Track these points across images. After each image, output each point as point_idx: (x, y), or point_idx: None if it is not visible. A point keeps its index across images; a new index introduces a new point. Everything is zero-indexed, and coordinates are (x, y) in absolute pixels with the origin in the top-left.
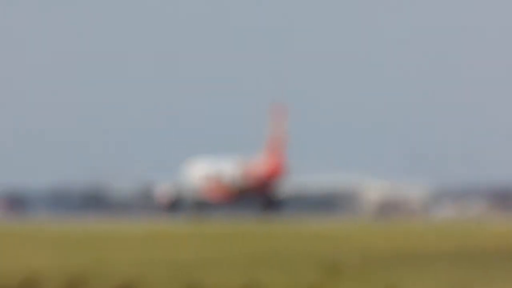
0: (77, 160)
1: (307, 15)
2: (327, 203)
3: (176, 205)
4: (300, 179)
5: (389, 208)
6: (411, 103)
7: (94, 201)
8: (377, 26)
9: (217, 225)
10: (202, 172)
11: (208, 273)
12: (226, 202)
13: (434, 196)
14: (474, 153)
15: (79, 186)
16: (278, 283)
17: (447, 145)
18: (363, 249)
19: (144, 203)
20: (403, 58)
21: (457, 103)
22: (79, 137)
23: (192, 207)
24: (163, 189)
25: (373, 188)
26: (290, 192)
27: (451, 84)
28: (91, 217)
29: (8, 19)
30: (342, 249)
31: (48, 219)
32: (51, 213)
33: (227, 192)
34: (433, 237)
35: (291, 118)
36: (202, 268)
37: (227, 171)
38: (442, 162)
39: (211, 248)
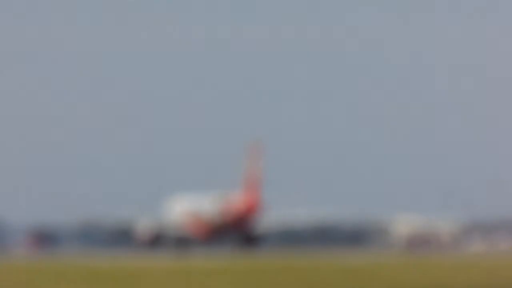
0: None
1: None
2: (358, 237)
3: (156, 241)
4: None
5: (419, 242)
6: (440, 136)
7: (124, 237)
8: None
9: (238, 261)
10: (182, 209)
11: None
12: (205, 237)
13: (465, 230)
14: (504, 186)
15: (109, 221)
16: None
17: (477, 179)
18: (392, 284)
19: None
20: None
21: (486, 136)
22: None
23: (173, 242)
24: (144, 225)
25: (404, 222)
26: (269, 227)
27: (479, 119)
28: (121, 253)
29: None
30: (370, 284)
31: (78, 254)
32: (80, 248)
33: (206, 228)
34: (463, 271)
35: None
36: None
37: (206, 208)
38: (472, 195)
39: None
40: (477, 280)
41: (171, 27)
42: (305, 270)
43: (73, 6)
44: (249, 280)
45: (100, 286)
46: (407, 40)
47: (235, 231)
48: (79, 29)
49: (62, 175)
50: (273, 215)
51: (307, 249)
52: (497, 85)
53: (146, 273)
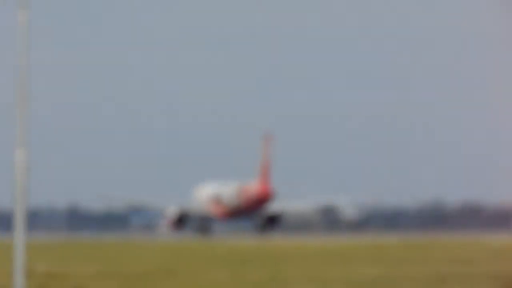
0: None
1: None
2: None
3: (182, 222)
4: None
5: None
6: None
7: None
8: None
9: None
10: (207, 194)
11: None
12: (224, 218)
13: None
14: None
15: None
16: None
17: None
18: None
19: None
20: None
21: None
22: None
23: (198, 222)
24: (172, 210)
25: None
26: (277, 211)
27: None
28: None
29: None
30: None
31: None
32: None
33: (225, 210)
34: None
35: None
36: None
37: (226, 193)
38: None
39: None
40: None
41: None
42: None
43: None
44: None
45: (242, 266)
46: None
47: (251, 213)
48: None
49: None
50: (283, 201)
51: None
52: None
53: (302, 253)
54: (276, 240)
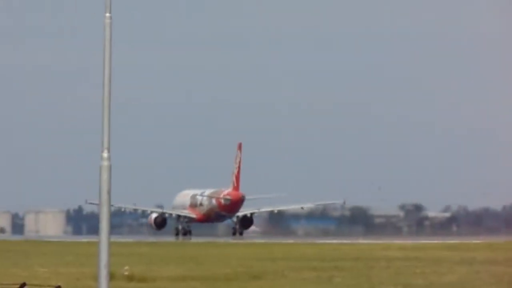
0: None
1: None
2: None
3: (163, 223)
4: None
5: None
6: None
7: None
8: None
9: None
10: (186, 199)
11: None
12: (203, 219)
13: None
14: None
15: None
16: None
17: None
18: None
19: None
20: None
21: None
22: None
23: (179, 223)
24: (156, 212)
25: None
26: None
27: None
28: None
29: None
30: None
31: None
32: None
33: (203, 213)
34: None
35: None
36: None
37: (203, 199)
38: None
39: None
40: None
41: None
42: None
43: None
44: None
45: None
46: None
47: (225, 216)
48: None
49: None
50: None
51: None
52: None
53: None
54: (359, 242)
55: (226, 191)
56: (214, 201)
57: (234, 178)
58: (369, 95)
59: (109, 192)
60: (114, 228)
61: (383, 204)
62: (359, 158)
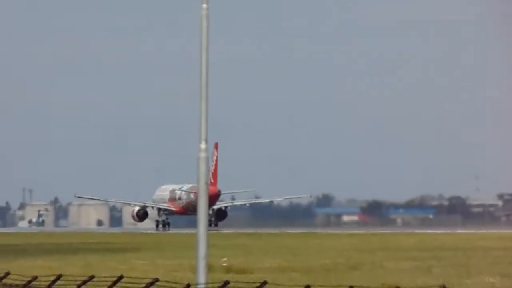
0: None
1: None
2: None
3: (144, 215)
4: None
5: None
6: None
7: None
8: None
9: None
10: (166, 194)
11: None
12: (180, 212)
13: None
14: None
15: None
16: None
17: None
18: None
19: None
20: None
21: None
22: None
23: (159, 215)
24: (138, 205)
25: None
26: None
27: None
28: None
29: None
30: None
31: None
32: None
33: (181, 206)
34: None
35: None
36: None
37: (182, 193)
38: None
39: None
40: None
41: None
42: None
43: None
44: None
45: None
46: None
47: None
48: None
49: None
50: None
51: None
52: None
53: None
54: (457, 232)
55: None
56: (192, 195)
57: (211, 175)
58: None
59: (207, 183)
60: None
61: (481, 193)
62: (457, 148)
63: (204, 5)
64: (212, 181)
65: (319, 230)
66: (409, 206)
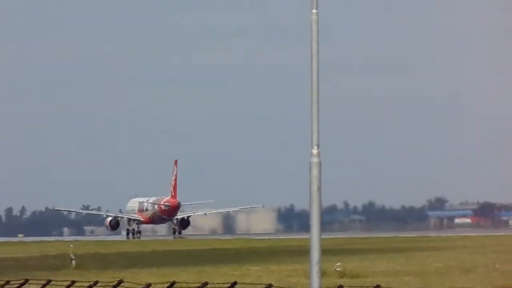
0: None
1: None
2: None
3: (117, 225)
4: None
5: None
6: None
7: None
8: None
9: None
10: (135, 205)
11: None
12: (148, 222)
13: None
14: None
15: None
16: None
17: None
18: None
19: None
20: None
21: None
22: None
23: (129, 225)
24: (111, 216)
25: None
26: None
27: None
28: None
29: None
30: None
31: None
32: None
33: (147, 216)
34: None
35: None
36: None
37: (148, 205)
38: None
39: None
40: None
41: None
42: None
43: None
44: None
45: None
46: None
47: (166, 218)
48: None
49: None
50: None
51: None
52: None
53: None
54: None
55: (166, 199)
56: (156, 207)
57: (171, 188)
58: None
59: (319, 189)
60: (325, 225)
61: None
62: None
63: (314, 10)
64: (173, 193)
65: (432, 233)
66: None
